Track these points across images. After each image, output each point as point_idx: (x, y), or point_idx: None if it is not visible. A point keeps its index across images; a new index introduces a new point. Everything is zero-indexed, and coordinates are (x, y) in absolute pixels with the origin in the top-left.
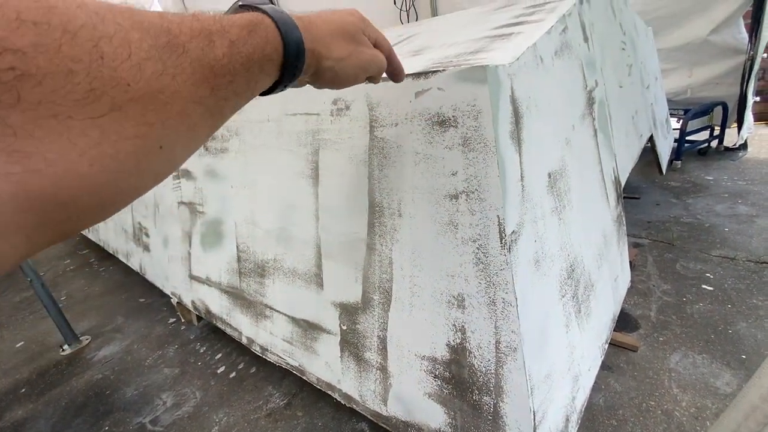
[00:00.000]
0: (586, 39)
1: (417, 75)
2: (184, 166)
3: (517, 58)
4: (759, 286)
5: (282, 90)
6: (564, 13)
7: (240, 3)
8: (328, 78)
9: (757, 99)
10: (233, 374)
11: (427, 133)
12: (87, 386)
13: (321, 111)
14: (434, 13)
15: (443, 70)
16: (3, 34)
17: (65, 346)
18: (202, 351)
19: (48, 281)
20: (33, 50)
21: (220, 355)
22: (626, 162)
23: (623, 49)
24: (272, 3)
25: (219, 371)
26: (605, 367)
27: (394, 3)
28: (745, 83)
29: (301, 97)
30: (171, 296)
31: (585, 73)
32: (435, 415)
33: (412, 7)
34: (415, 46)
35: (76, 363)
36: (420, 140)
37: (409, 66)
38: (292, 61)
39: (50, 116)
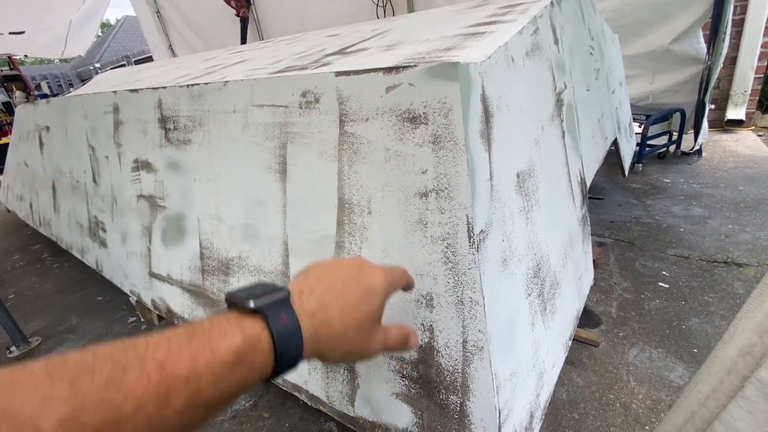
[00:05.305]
0: (556, 41)
1: (388, 70)
2: (144, 157)
3: (489, 57)
4: (710, 284)
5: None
6: (536, 15)
7: (252, 306)
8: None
9: (712, 107)
10: None
11: (397, 130)
12: None
13: (289, 103)
14: (410, 9)
15: (414, 65)
16: None
17: (12, 348)
18: None
19: None
20: None
21: None
22: (592, 164)
23: (591, 53)
24: None
25: None
26: (568, 362)
27: None
28: (702, 92)
29: (268, 87)
30: (130, 294)
31: (555, 75)
32: (402, 415)
33: (389, 3)
34: (388, 41)
35: None
36: (390, 136)
37: (381, 60)
38: (280, 373)
39: None
